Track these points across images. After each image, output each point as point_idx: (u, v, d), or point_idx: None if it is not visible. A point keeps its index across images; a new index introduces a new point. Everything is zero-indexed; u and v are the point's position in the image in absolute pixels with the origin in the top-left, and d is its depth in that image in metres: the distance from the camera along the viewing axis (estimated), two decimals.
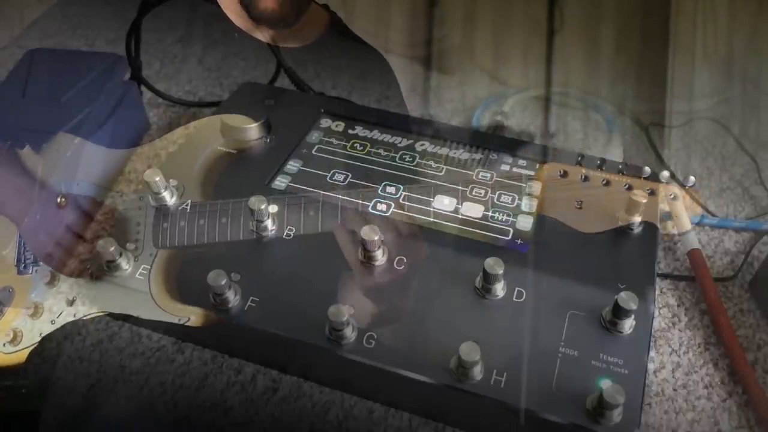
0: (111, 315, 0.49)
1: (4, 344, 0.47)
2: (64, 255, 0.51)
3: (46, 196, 0.53)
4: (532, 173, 0.57)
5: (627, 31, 0.76)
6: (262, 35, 0.68)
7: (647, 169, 0.54)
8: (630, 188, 0.53)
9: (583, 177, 0.54)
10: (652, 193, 0.53)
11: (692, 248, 0.60)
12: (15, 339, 0.47)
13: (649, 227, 0.51)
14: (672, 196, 0.54)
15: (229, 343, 0.52)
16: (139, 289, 0.47)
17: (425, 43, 0.80)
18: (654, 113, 0.77)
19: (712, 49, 0.75)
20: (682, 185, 0.56)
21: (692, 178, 0.54)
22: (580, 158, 0.56)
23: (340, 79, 0.86)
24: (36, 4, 1.00)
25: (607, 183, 0.54)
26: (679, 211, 0.57)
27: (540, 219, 0.53)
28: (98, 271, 0.48)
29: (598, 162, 0.56)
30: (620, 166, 0.55)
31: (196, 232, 0.51)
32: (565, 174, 0.55)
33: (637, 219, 0.51)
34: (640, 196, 0.49)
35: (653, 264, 0.49)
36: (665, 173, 0.53)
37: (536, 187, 0.55)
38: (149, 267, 0.49)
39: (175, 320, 0.45)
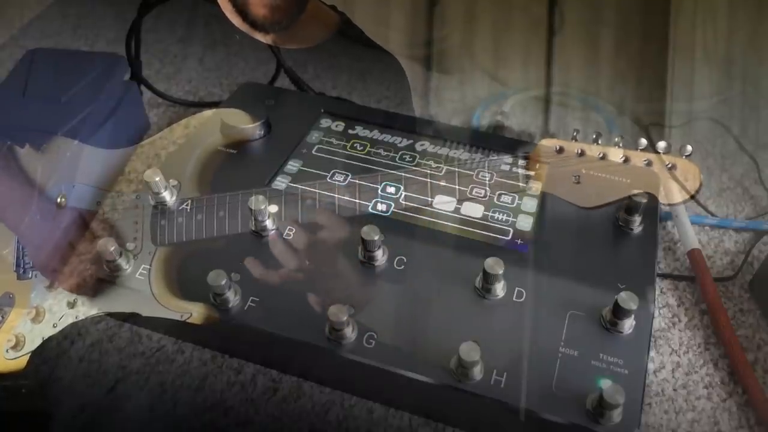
0: (112, 315, 0.49)
1: (6, 350, 0.47)
2: (64, 256, 0.50)
3: (46, 196, 0.53)
4: (532, 173, 0.57)
5: (627, 31, 0.76)
6: (263, 37, 0.68)
7: (643, 141, 0.53)
8: (627, 160, 0.53)
9: (579, 151, 0.54)
10: (649, 163, 0.53)
11: (692, 248, 0.60)
12: (17, 345, 0.47)
13: (649, 227, 0.51)
14: (670, 165, 0.53)
15: (229, 343, 0.52)
16: (140, 289, 0.47)
17: (425, 43, 0.80)
18: (654, 113, 0.77)
19: (712, 49, 0.75)
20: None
21: (689, 147, 0.52)
22: (575, 133, 0.56)
23: (340, 79, 0.86)
24: (36, 4, 1.00)
25: (604, 156, 0.53)
26: (673, 183, 0.55)
27: (541, 197, 0.52)
28: (98, 271, 0.48)
29: (594, 136, 0.55)
30: (616, 139, 0.54)
31: (195, 230, 0.51)
32: (561, 150, 0.54)
33: (638, 218, 0.51)
34: (641, 196, 0.49)
35: (653, 264, 0.49)
36: (662, 143, 0.52)
37: (536, 186, 0.55)
38: (149, 266, 0.49)
39: (177, 317, 0.45)
